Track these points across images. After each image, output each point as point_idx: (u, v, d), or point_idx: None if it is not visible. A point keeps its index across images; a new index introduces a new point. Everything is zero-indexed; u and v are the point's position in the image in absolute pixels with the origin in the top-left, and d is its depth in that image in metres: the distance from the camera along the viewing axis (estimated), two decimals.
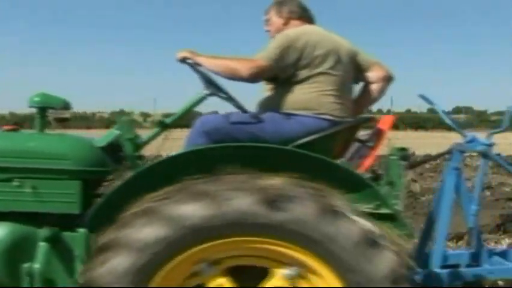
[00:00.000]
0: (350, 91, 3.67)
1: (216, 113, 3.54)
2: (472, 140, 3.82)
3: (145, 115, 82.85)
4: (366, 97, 3.79)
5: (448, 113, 4.08)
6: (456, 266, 3.83)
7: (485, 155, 3.79)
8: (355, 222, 2.57)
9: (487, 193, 11.32)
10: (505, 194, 10.90)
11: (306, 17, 3.82)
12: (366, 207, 2.79)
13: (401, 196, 2.92)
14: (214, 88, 3.37)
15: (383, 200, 2.83)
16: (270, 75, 3.43)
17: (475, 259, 3.89)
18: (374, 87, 3.75)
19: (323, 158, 2.80)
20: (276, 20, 3.81)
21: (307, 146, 3.19)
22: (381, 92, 3.77)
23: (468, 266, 3.80)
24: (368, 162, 3.45)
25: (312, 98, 3.39)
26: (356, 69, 3.73)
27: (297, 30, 3.54)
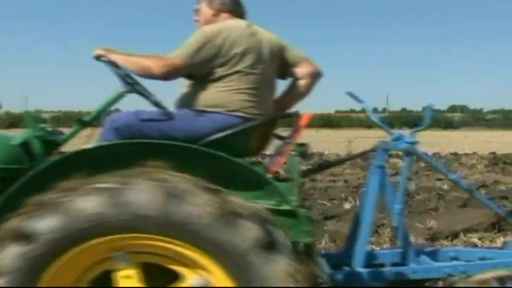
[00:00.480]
0: (270, 88, 3.63)
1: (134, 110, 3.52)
2: (398, 138, 3.81)
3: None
4: (294, 93, 3.77)
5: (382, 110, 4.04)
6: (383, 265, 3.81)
7: (408, 153, 3.77)
8: (250, 227, 2.57)
9: (482, 191, 11.34)
10: (500, 193, 10.94)
11: (236, 11, 3.77)
12: (268, 204, 2.79)
13: (296, 192, 2.90)
14: (131, 85, 3.34)
15: (283, 197, 2.83)
16: (185, 73, 3.42)
17: (402, 258, 3.87)
18: (302, 83, 3.73)
19: (222, 155, 2.80)
20: (206, 11, 3.77)
21: (218, 143, 3.21)
22: (309, 88, 3.76)
23: (394, 265, 3.77)
24: (281, 159, 3.46)
25: (223, 96, 3.37)
26: (282, 65, 3.71)
27: (216, 26, 3.50)
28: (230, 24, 3.56)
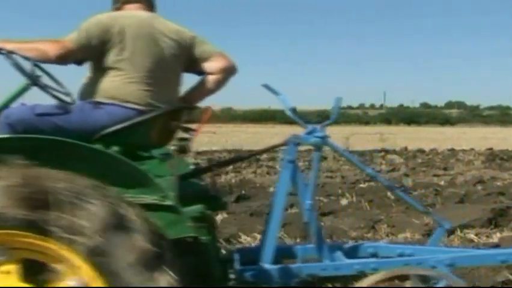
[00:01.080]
0: (170, 80, 3.60)
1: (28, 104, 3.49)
2: (311, 132, 3.79)
3: None
4: (204, 87, 3.72)
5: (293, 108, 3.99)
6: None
7: (318, 148, 3.74)
8: (134, 234, 2.57)
9: (479, 187, 11.37)
10: (497, 188, 10.94)
11: (143, 2, 3.75)
12: (149, 200, 2.81)
13: (173, 187, 2.92)
14: (34, 77, 3.32)
15: (165, 192, 2.85)
16: (78, 58, 3.39)
17: (316, 255, 3.84)
18: (214, 77, 3.68)
19: (104, 151, 2.82)
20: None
21: (114, 136, 3.20)
22: (221, 82, 3.71)
23: (306, 261, 3.75)
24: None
25: (117, 86, 3.34)
26: (194, 59, 3.68)
27: (111, 14, 3.50)
28: (126, 14, 3.56)
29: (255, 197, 9.56)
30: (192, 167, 4.04)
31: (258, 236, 6.50)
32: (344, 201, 9.26)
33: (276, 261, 3.58)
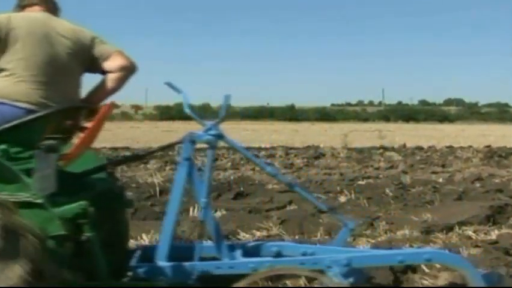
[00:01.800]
0: (65, 79, 3.62)
1: None
2: (207, 130, 3.80)
3: (137, 107, 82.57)
4: (105, 87, 3.76)
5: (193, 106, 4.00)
6: (208, 259, 3.78)
7: (212, 145, 3.76)
8: None
9: (477, 184, 11.39)
10: (495, 186, 10.96)
11: (43, 4, 3.80)
12: (24, 198, 2.94)
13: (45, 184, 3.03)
14: None
15: (33, 190, 2.96)
16: None
17: (214, 253, 3.84)
18: (114, 76, 3.73)
19: None
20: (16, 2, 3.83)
21: (4, 135, 3.24)
22: (121, 81, 3.76)
23: (204, 259, 3.75)
24: (74, 151, 3.52)
25: (7, 85, 3.38)
26: (93, 59, 3.72)
27: (5, 15, 3.52)
28: (21, 15, 3.61)
29: (254, 194, 9.57)
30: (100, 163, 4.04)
31: (257, 233, 6.52)
32: (342, 198, 9.28)
33: (173, 259, 3.59)
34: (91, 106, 3.73)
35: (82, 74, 3.77)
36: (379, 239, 6.37)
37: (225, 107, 3.86)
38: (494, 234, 6.63)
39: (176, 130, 37.97)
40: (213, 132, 3.75)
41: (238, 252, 3.81)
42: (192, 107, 3.91)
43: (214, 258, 3.72)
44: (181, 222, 7.28)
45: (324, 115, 74.74)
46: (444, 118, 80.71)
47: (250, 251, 3.91)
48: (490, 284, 3.84)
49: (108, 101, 3.81)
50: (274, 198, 8.95)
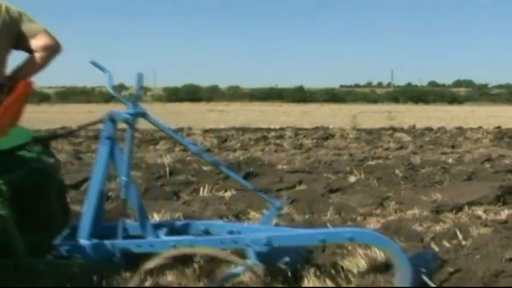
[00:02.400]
0: None
1: None
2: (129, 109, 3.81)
3: (145, 89, 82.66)
4: (30, 65, 3.76)
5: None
6: (135, 237, 3.79)
7: (130, 124, 3.76)
8: None
9: (487, 165, 11.37)
10: (505, 166, 10.93)
11: None
12: None
13: None
14: None
15: None
16: None
17: (138, 231, 3.85)
18: (38, 55, 3.73)
19: None
20: None
21: None
22: (45, 60, 3.76)
23: (129, 238, 3.77)
24: None
25: None
26: (20, 37, 3.71)
27: None
28: None
29: (263, 175, 9.59)
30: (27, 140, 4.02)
31: (267, 213, 6.54)
32: (352, 179, 9.29)
33: (98, 237, 3.62)
34: (10, 83, 3.69)
35: (8, 51, 3.75)
36: (389, 218, 6.40)
37: (138, 85, 3.88)
38: (504, 214, 6.63)
39: (185, 112, 38.05)
40: (131, 111, 3.78)
41: (163, 231, 3.85)
42: (114, 87, 3.92)
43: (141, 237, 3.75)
44: (190, 202, 7.34)
45: (333, 96, 74.51)
46: (453, 99, 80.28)
47: (178, 230, 3.95)
48: (424, 263, 3.89)
49: (31, 79, 3.79)
50: (283, 179, 8.97)
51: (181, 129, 21.26)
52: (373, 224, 6.14)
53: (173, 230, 3.93)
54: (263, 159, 12.07)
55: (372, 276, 4.07)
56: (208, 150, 14.85)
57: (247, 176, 9.38)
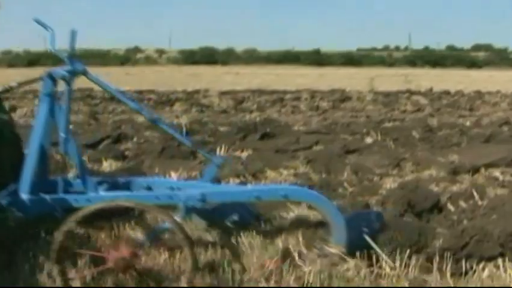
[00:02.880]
0: None
1: None
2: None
3: (161, 52, 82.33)
4: None
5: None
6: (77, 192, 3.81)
7: (67, 81, 3.75)
8: None
9: (505, 128, 11.30)
10: None
11: None
12: None
13: None
14: None
15: None
16: None
17: (80, 187, 3.88)
18: None
19: None
20: None
21: None
22: None
23: (72, 193, 3.79)
24: None
25: None
26: None
27: None
28: None
29: (280, 135, 9.61)
30: None
31: (284, 172, 6.59)
32: (368, 140, 9.29)
33: (43, 192, 3.67)
34: None
35: None
36: (405, 179, 6.40)
37: (72, 43, 3.88)
38: None
39: (201, 74, 37.99)
40: (69, 68, 3.79)
41: (104, 187, 3.89)
42: (55, 45, 3.92)
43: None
44: (207, 161, 7.39)
45: (349, 60, 73.75)
46: (472, 64, 79.20)
47: (121, 186, 4.00)
48: (367, 223, 3.94)
49: None
50: (300, 139, 8.98)
51: (197, 91, 21.25)
52: (389, 184, 6.15)
53: (115, 187, 3.99)
54: (279, 120, 12.08)
55: (310, 232, 4.06)
56: (224, 112, 14.88)
57: (264, 137, 9.40)
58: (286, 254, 3.82)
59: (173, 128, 4.39)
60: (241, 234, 4.04)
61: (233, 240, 4.02)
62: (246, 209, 4.24)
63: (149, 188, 4.01)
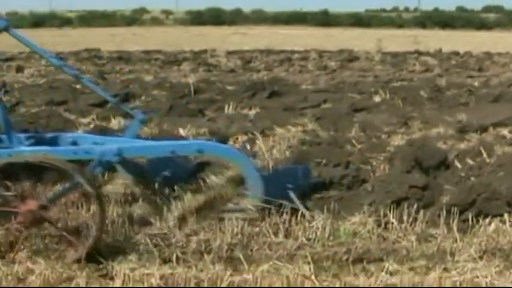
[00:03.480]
0: None
1: None
2: None
3: (167, 12, 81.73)
4: None
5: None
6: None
7: None
8: None
9: None
10: None
11: None
12: None
13: None
14: None
15: None
16: None
17: (7, 143, 3.88)
18: None
19: None
20: None
21: None
22: None
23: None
24: None
25: None
26: None
27: None
28: None
29: (288, 94, 9.61)
30: None
31: (292, 129, 6.61)
32: (376, 99, 9.27)
33: None
34: None
35: None
36: (413, 136, 6.41)
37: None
38: None
39: (208, 34, 37.75)
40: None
41: (29, 142, 3.92)
42: None
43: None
44: (215, 119, 7.41)
45: (358, 21, 72.99)
46: (482, 25, 78.24)
47: (47, 142, 4.03)
48: (292, 179, 3.96)
49: None
50: (308, 98, 8.98)
51: (204, 51, 21.15)
52: (397, 141, 6.16)
53: (41, 142, 4.01)
54: (287, 79, 12.06)
55: (232, 188, 4.10)
56: (232, 71, 14.84)
57: (272, 95, 9.40)
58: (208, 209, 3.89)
59: (95, 85, 4.43)
60: (168, 189, 4.10)
61: (160, 195, 4.08)
62: (180, 166, 4.26)
63: (74, 143, 4.05)
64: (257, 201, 3.75)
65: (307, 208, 3.93)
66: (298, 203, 3.87)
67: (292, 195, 3.88)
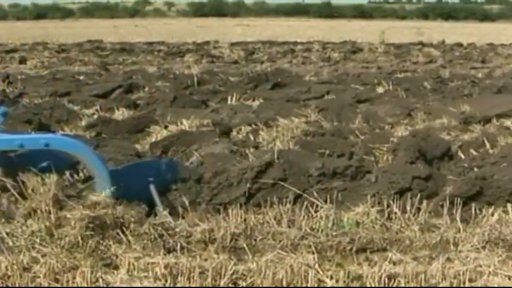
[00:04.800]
0: None
1: None
2: None
3: (170, 4, 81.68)
4: None
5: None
6: None
7: None
8: None
9: None
10: None
11: None
12: None
13: None
14: None
15: None
16: None
17: None
18: None
19: None
20: None
21: None
22: None
23: None
24: None
25: None
26: None
27: None
28: None
29: (291, 85, 9.61)
30: None
31: (296, 120, 6.61)
32: (380, 90, 9.26)
33: None
34: None
35: None
36: (417, 127, 6.41)
37: None
38: None
39: (211, 26, 37.72)
40: None
41: None
42: None
43: None
44: (219, 110, 7.41)
45: (361, 12, 72.86)
46: (485, 17, 78.02)
47: None
48: (155, 172, 3.98)
49: None
50: (311, 89, 8.98)
51: (207, 43, 21.13)
52: (401, 132, 6.17)
53: None
54: (290, 70, 12.05)
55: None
56: (235, 62, 14.84)
57: (275, 87, 9.40)
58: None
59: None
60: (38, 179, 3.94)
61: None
62: (58, 157, 4.14)
63: None
64: (104, 195, 3.67)
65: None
66: (156, 197, 3.84)
67: (152, 188, 3.87)
